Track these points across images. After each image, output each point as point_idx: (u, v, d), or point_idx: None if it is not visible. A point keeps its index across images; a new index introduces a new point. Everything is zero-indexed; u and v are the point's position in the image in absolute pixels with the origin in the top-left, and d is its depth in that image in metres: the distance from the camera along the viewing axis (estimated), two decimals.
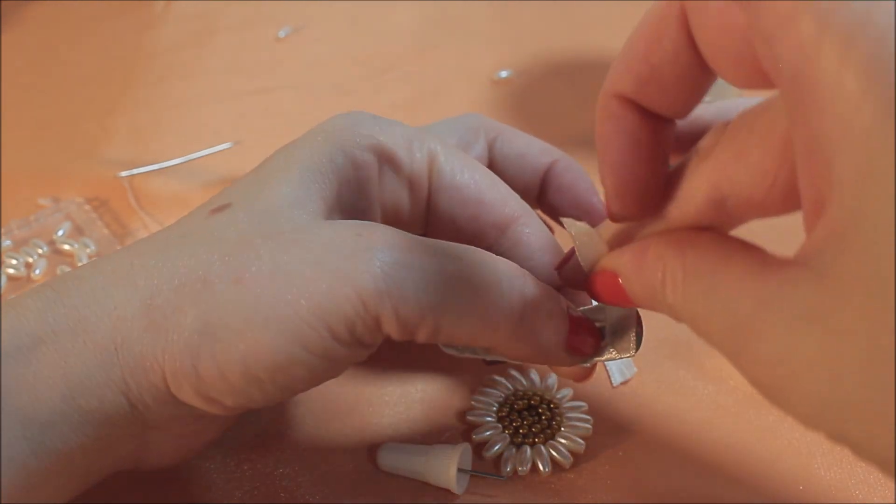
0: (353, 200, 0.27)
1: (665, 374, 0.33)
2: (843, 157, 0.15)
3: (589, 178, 0.31)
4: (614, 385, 0.32)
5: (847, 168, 0.15)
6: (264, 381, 0.23)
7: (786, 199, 0.19)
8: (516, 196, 0.28)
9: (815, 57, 0.15)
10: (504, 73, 0.51)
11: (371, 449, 0.30)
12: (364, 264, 0.22)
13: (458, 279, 0.24)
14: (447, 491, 0.29)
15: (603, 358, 0.26)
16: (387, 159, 0.27)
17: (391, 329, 0.23)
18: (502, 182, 0.29)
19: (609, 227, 0.24)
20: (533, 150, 0.32)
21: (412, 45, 0.55)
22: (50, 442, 0.23)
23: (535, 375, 0.32)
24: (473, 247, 0.25)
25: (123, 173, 0.44)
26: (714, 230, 0.21)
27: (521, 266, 0.26)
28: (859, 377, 0.15)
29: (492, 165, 0.31)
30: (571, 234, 0.24)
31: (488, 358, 0.27)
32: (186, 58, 0.55)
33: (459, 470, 0.28)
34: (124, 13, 0.60)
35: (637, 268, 0.22)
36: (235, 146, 0.46)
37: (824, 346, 0.16)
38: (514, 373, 0.32)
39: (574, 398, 0.31)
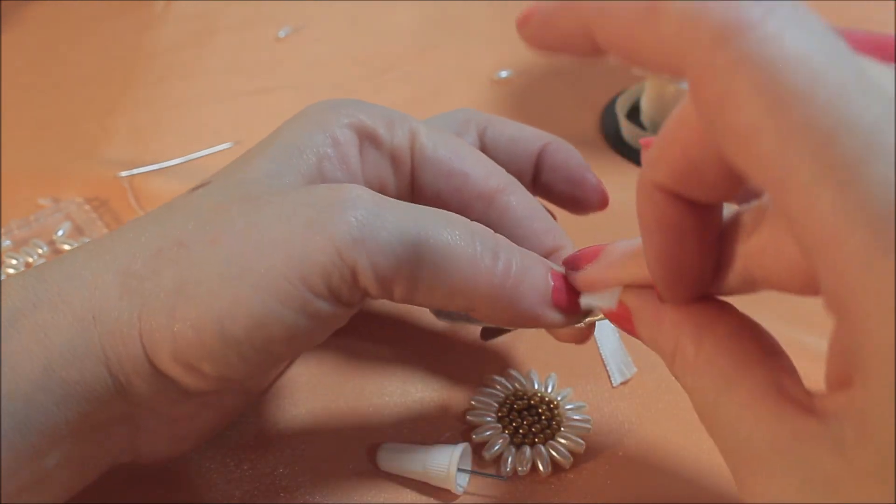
0: (336, 176, 0.27)
1: (665, 374, 0.32)
2: (873, 350, 0.14)
3: (580, 155, 0.32)
4: (614, 385, 0.32)
5: (876, 362, 0.14)
6: (242, 342, 0.22)
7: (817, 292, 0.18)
8: (500, 169, 0.28)
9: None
10: (504, 73, 0.51)
11: (371, 449, 0.30)
12: (339, 215, 0.23)
13: (432, 235, 0.23)
14: (447, 491, 0.29)
15: (597, 317, 0.25)
16: (367, 136, 0.27)
17: (368, 282, 0.23)
18: (486, 156, 0.29)
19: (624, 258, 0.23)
20: (525, 135, 0.32)
21: (412, 45, 0.55)
22: (34, 416, 0.22)
23: (534, 375, 0.32)
24: (448, 211, 0.25)
25: (123, 173, 0.45)
26: (734, 311, 0.20)
27: (510, 235, 0.26)
28: None
29: (484, 152, 0.31)
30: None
31: (483, 325, 0.27)
32: (186, 58, 0.55)
33: (459, 470, 0.28)
34: (124, 13, 0.60)
35: (652, 323, 0.21)
36: (235, 146, 0.46)
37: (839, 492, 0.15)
38: (513, 373, 0.32)
39: (574, 398, 0.31)
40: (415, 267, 0.23)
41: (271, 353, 0.23)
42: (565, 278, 0.25)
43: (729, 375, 0.18)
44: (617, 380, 0.32)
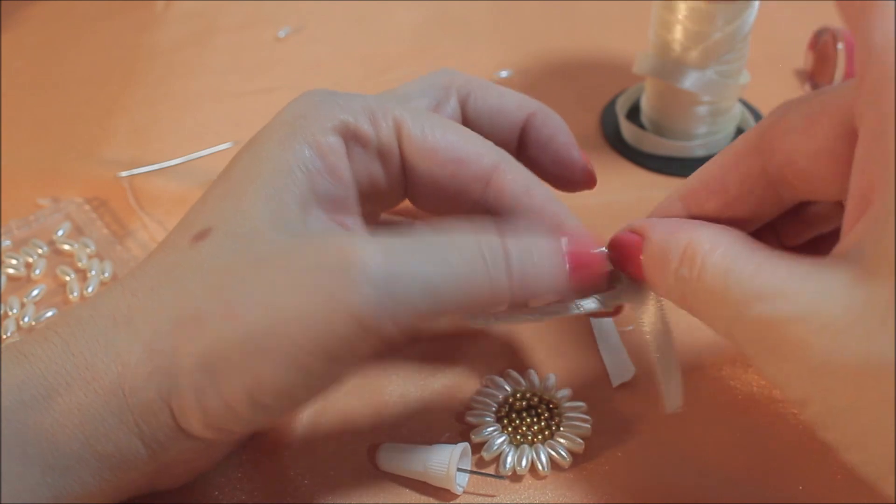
0: (327, 187, 0.26)
1: None
2: None
3: (567, 129, 0.31)
4: (613, 385, 0.32)
5: None
6: (270, 407, 0.23)
7: (834, 179, 0.22)
8: (491, 144, 0.28)
9: None
10: (504, 73, 0.51)
11: (371, 449, 0.30)
12: (354, 287, 0.22)
13: (445, 272, 0.23)
14: (447, 491, 0.29)
15: (619, 298, 0.27)
16: (352, 136, 0.27)
17: (393, 336, 0.23)
18: (475, 134, 0.28)
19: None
20: (508, 104, 0.31)
21: (412, 45, 0.55)
22: (69, 486, 0.23)
23: (534, 376, 0.32)
24: (446, 229, 0.25)
25: (123, 173, 0.45)
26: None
27: (511, 211, 0.26)
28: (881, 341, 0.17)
29: (466, 123, 0.31)
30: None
31: (521, 319, 0.27)
32: (186, 58, 0.55)
33: (459, 470, 0.28)
34: (124, 13, 0.60)
35: (665, 232, 0.24)
36: (235, 146, 0.46)
37: (849, 310, 0.18)
38: (513, 373, 0.32)
39: (573, 398, 0.31)
40: (433, 307, 0.23)
41: (297, 406, 0.25)
42: (577, 254, 0.26)
43: (745, 246, 0.22)
44: (616, 380, 0.32)
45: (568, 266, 0.25)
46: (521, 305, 0.27)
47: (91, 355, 0.23)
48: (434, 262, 0.23)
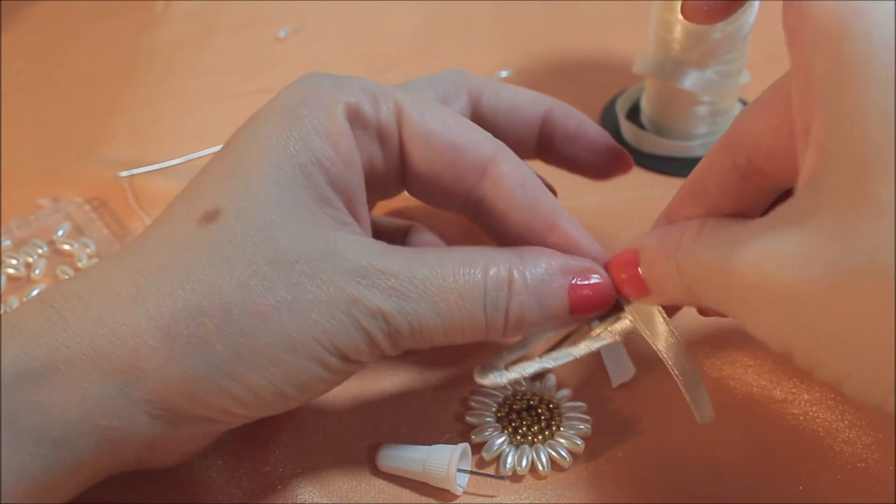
0: (341, 177, 0.26)
1: (664, 375, 0.33)
2: (825, 84, 0.19)
3: (590, 120, 0.32)
4: (614, 386, 0.32)
5: (828, 88, 0.19)
6: (291, 398, 0.25)
7: (788, 141, 0.23)
8: (489, 135, 0.28)
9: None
10: (504, 73, 0.51)
11: (370, 449, 0.30)
12: (369, 313, 0.24)
13: (450, 316, 0.25)
14: (447, 491, 0.29)
15: (627, 325, 0.27)
16: (355, 118, 0.27)
17: (394, 353, 0.26)
18: (474, 124, 0.28)
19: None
20: (523, 100, 0.32)
21: (412, 45, 0.55)
22: (63, 457, 0.23)
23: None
24: (456, 253, 0.26)
25: (123, 173, 0.45)
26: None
27: (504, 205, 0.27)
28: (832, 269, 0.18)
29: (482, 122, 0.31)
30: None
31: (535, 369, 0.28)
32: (186, 58, 0.55)
33: (459, 470, 0.28)
34: (124, 13, 0.60)
35: (658, 236, 0.26)
36: None
37: (805, 243, 0.19)
38: None
39: (573, 398, 0.31)
40: (426, 342, 0.26)
41: (313, 396, 0.27)
42: (578, 288, 0.27)
43: (732, 226, 0.23)
44: (616, 381, 0.32)
45: (570, 302, 0.26)
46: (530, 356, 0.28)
47: (96, 334, 0.23)
48: (436, 310, 0.25)
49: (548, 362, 0.27)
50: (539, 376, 0.32)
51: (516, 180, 0.27)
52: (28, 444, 0.22)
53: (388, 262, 0.25)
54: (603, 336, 0.28)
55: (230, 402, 0.24)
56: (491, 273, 0.26)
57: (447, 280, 0.25)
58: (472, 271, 0.25)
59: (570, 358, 0.27)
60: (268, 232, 0.24)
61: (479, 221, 0.29)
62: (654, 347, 0.27)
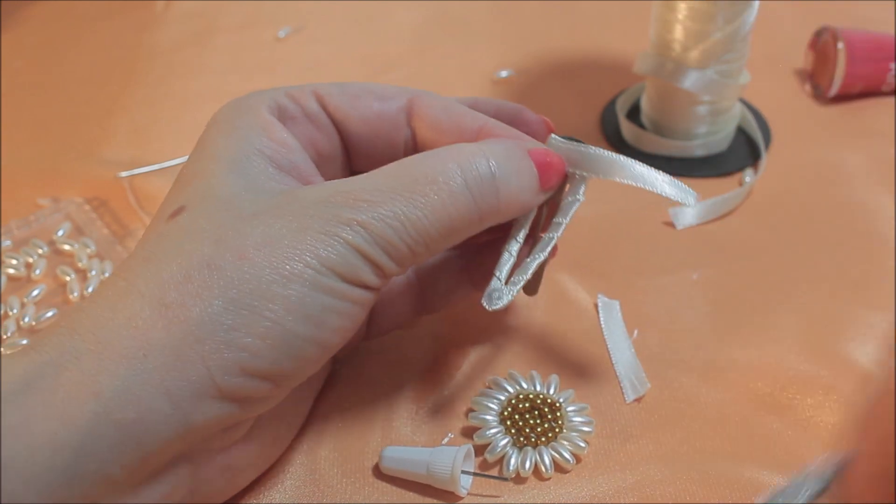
0: (285, 157, 0.28)
1: (669, 380, 0.33)
2: None
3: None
4: (627, 401, 0.32)
5: None
6: (306, 338, 0.24)
7: None
8: (405, 87, 0.30)
9: None
10: (504, 73, 0.51)
11: (373, 452, 0.30)
12: (348, 226, 0.25)
13: (433, 213, 0.25)
14: (451, 493, 0.29)
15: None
16: (279, 113, 0.29)
17: (392, 270, 0.26)
18: (388, 84, 0.31)
19: None
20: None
21: (412, 45, 0.55)
22: (85, 466, 0.22)
23: (536, 377, 0.32)
24: (418, 155, 0.27)
25: (123, 173, 0.44)
26: None
27: (435, 131, 0.29)
28: None
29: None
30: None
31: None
32: (186, 57, 0.55)
33: (462, 472, 0.28)
34: (124, 13, 0.60)
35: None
36: None
37: None
38: (516, 374, 0.32)
39: (576, 400, 0.31)
40: (424, 244, 0.26)
41: (325, 343, 0.25)
42: (544, 163, 0.28)
43: None
44: (630, 396, 0.32)
45: (538, 172, 0.28)
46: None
47: (98, 329, 0.23)
48: (414, 205, 0.25)
49: (539, 254, 0.28)
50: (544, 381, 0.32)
51: (438, 106, 0.30)
52: (46, 454, 0.22)
53: (350, 184, 0.26)
54: (569, 203, 0.29)
55: (244, 358, 0.23)
56: (463, 156, 0.26)
57: (417, 176, 0.26)
58: (443, 163, 0.26)
59: (555, 239, 0.29)
60: (231, 202, 0.25)
61: None
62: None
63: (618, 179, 0.28)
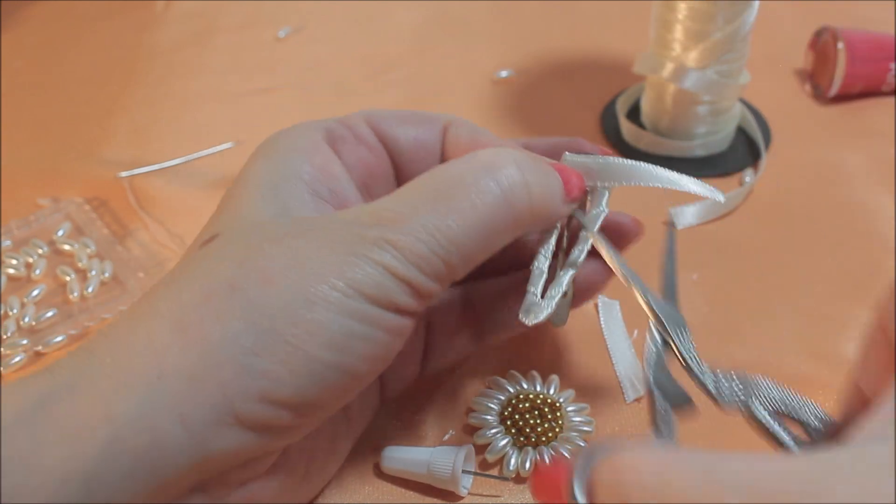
0: (326, 185, 0.27)
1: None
2: None
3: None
4: (627, 402, 0.32)
5: None
6: (330, 364, 0.23)
7: None
8: (441, 113, 0.31)
9: None
10: (504, 73, 0.51)
11: (374, 451, 0.30)
12: (377, 248, 0.23)
13: (468, 222, 0.24)
14: (451, 493, 0.29)
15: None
16: (330, 138, 0.29)
17: (429, 289, 0.24)
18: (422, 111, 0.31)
19: None
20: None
21: (412, 45, 0.55)
22: (95, 496, 0.21)
23: (536, 377, 0.32)
24: (443, 167, 0.26)
25: (123, 173, 0.44)
26: None
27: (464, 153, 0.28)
28: None
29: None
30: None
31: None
32: (186, 58, 0.55)
33: (463, 471, 0.28)
34: (124, 13, 0.60)
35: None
36: (235, 146, 0.46)
37: None
38: (516, 374, 0.32)
39: (576, 400, 0.31)
40: (461, 256, 0.24)
41: (352, 372, 0.24)
42: (565, 170, 0.28)
43: None
44: (630, 396, 0.32)
45: (563, 184, 0.27)
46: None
47: (115, 351, 0.23)
48: (454, 211, 0.24)
49: (571, 268, 0.28)
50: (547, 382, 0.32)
51: (464, 131, 0.29)
52: (54, 484, 0.21)
53: (376, 204, 0.25)
54: (595, 215, 0.28)
55: (265, 384, 0.22)
56: (489, 160, 0.26)
57: (442, 184, 0.25)
58: (469, 167, 0.26)
59: (585, 252, 0.28)
60: (261, 227, 0.25)
61: None
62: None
63: (640, 185, 0.28)
